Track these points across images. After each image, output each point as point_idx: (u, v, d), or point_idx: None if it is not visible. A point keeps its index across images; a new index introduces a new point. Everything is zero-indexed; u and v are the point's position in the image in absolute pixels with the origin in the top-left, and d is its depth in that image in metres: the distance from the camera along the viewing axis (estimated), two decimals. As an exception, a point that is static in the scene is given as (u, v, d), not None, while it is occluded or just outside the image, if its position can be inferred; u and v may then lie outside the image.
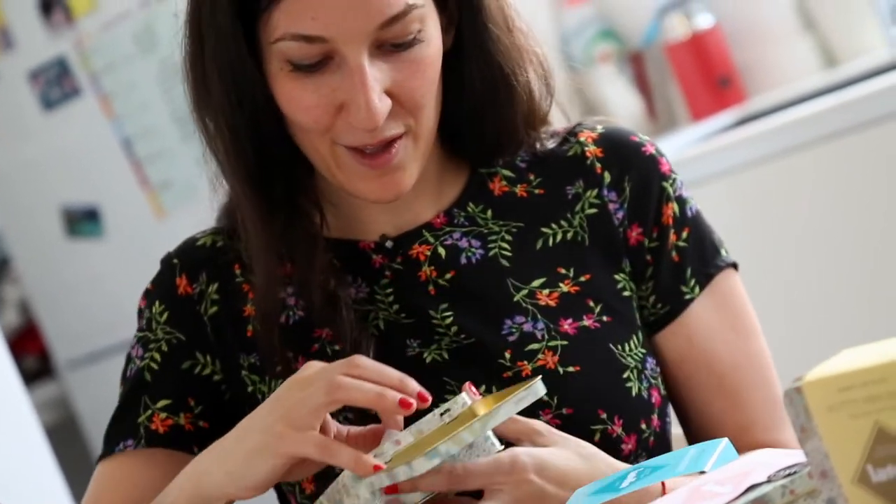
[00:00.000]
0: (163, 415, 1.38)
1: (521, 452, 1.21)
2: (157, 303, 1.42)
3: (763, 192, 2.83)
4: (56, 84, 3.27)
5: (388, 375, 1.21)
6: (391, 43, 1.27)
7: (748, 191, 2.84)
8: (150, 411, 1.38)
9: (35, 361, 3.70)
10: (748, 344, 1.40)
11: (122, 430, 1.39)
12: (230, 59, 1.30)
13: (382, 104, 1.27)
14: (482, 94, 1.36)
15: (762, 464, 1.01)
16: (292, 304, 1.38)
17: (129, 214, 3.23)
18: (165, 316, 1.41)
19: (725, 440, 1.16)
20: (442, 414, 1.21)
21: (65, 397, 3.42)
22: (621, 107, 3.31)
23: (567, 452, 1.23)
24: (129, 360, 1.43)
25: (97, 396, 3.34)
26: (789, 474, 0.97)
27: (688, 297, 1.39)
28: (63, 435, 3.21)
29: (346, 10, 1.25)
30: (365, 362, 1.21)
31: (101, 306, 3.30)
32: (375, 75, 1.27)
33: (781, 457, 1.01)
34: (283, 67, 1.28)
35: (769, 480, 0.97)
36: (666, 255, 1.39)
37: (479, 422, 1.16)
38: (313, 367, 1.23)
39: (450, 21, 1.34)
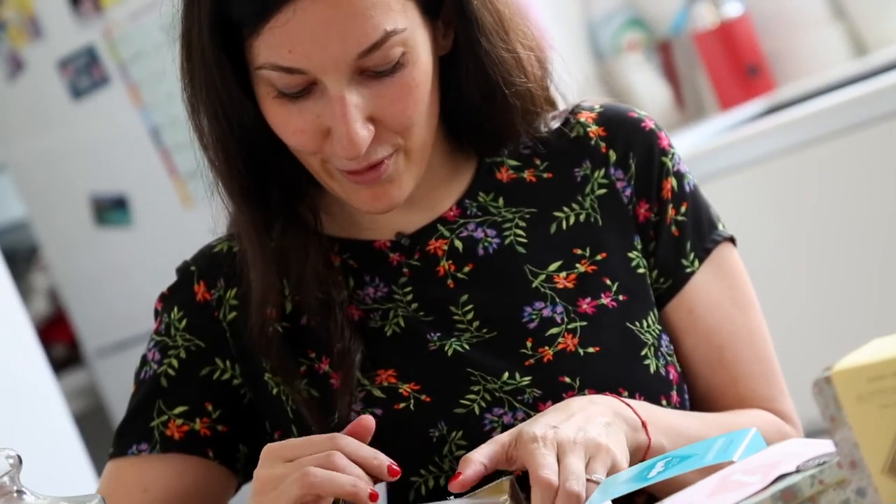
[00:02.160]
0: (179, 421, 1.38)
1: (529, 433, 1.20)
2: (175, 309, 1.42)
3: (792, 181, 2.82)
4: (84, 73, 3.28)
5: (363, 455, 1.20)
6: (373, 70, 1.27)
7: (777, 180, 2.82)
8: (165, 416, 1.39)
9: (64, 349, 3.72)
10: (747, 317, 1.40)
11: (136, 432, 1.40)
12: (215, 85, 1.30)
13: (365, 133, 1.27)
14: (478, 100, 1.36)
15: (791, 454, 1.00)
16: (291, 310, 1.38)
17: (157, 203, 3.24)
18: (184, 323, 1.41)
19: (754, 429, 1.16)
20: None
21: (93, 385, 3.43)
22: (649, 96, 3.30)
23: (547, 413, 1.23)
24: (144, 361, 1.43)
25: (125, 385, 3.35)
26: (819, 464, 0.97)
27: (688, 270, 1.39)
28: (91, 422, 3.22)
29: (323, 42, 1.24)
30: (343, 444, 1.20)
31: (129, 295, 3.31)
32: (357, 103, 1.26)
33: (811, 447, 1.01)
34: (270, 92, 1.28)
35: (798, 470, 0.97)
36: (666, 229, 1.39)
37: None
38: (280, 455, 1.21)
39: (447, 25, 1.33)
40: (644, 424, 1.26)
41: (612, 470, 1.20)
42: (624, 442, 1.22)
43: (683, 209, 1.40)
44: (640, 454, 1.25)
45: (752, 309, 1.41)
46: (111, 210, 3.30)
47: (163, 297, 1.44)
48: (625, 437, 1.23)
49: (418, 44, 1.28)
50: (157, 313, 1.44)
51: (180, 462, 1.38)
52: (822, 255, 2.77)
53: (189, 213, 3.18)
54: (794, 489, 0.95)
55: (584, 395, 1.30)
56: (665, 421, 1.29)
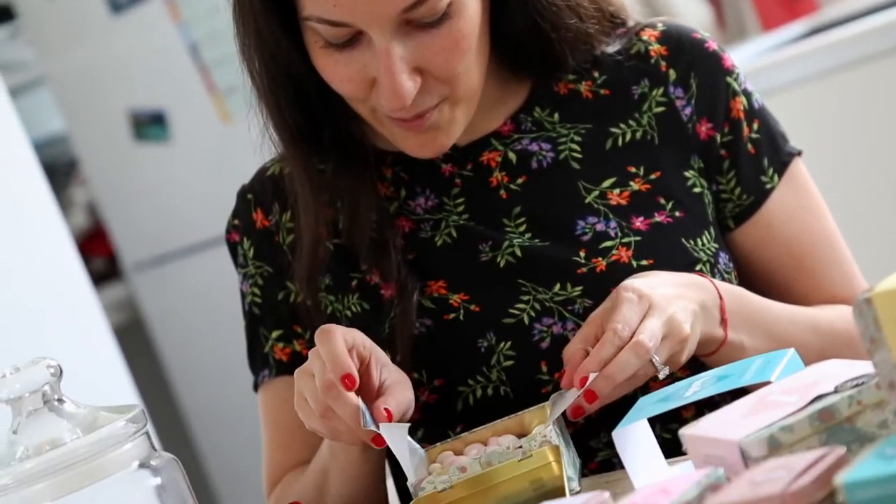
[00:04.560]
0: (280, 344, 1.43)
1: (626, 283, 1.23)
2: (244, 238, 1.46)
3: (835, 102, 2.79)
4: (124, -13, 3.27)
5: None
6: (419, 21, 1.26)
7: (819, 102, 2.80)
8: (269, 342, 1.43)
9: (103, 263, 3.74)
10: (822, 224, 1.42)
11: (257, 360, 1.45)
12: (264, 34, 1.31)
13: (410, 85, 1.27)
14: (527, 37, 1.36)
15: (829, 374, 1.00)
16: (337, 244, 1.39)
17: (195, 119, 3.25)
18: (253, 251, 1.45)
19: (792, 350, 1.16)
20: (518, 447, 1.21)
21: (131, 298, 3.46)
22: (690, 15, 3.27)
23: (649, 274, 1.27)
24: (241, 294, 1.47)
25: (163, 298, 3.38)
26: (857, 385, 0.97)
27: (768, 186, 1.41)
28: (130, 335, 3.25)
29: None
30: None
31: (167, 210, 3.32)
32: (403, 55, 1.26)
33: (849, 368, 1.01)
34: (317, 42, 1.29)
35: (836, 391, 0.97)
36: (743, 148, 1.40)
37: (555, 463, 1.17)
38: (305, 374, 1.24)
39: None
40: (725, 322, 1.28)
41: (670, 361, 1.22)
42: (697, 338, 1.25)
43: (756, 126, 1.41)
44: (711, 346, 1.28)
45: (827, 216, 1.43)
46: (149, 125, 3.31)
47: (233, 228, 1.47)
48: (699, 333, 1.25)
49: None
50: (230, 246, 1.47)
51: None
52: (863, 177, 2.75)
53: (227, 129, 3.18)
54: (831, 409, 0.95)
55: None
56: (751, 314, 1.31)
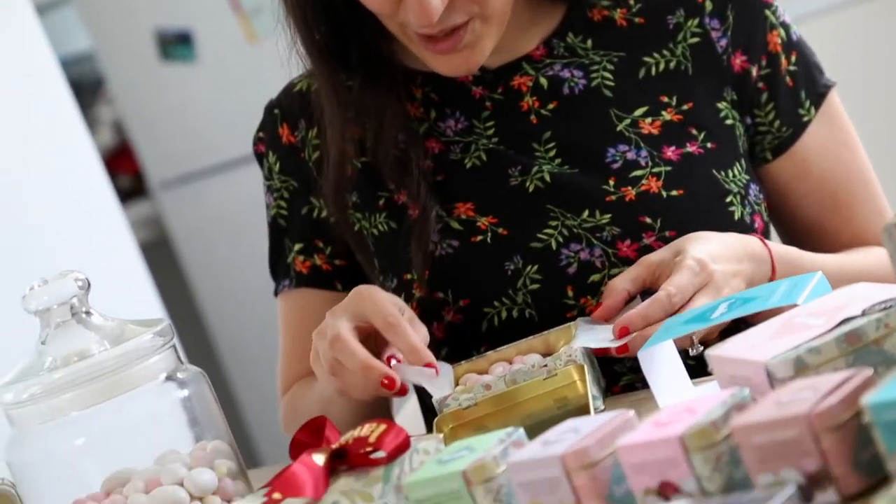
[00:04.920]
0: (301, 257, 1.44)
1: (695, 254, 1.23)
2: (270, 152, 1.46)
3: (865, 31, 2.77)
4: None
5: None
6: None
7: (849, 30, 2.78)
8: (292, 254, 1.45)
9: (129, 181, 3.75)
10: (856, 157, 1.42)
11: (279, 270, 1.47)
12: None
13: (437, 1, 1.26)
14: None
15: (857, 297, 1.00)
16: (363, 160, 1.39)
17: (222, 39, 3.24)
18: (278, 165, 1.45)
19: (820, 273, 1.16)
20: (543, 366, 1.21)
21: (157, 216, 3.47)
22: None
23: (715, 239, 1.26)
24: (266, 206, 1.48)
25: (189, 217, 3.39)
26: (884, 308, 0.97)
27: (805, 118, 1.40)
28: (155, 252, 3.26)
29: None
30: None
31: (192, 129, 3.32)
32: None
33: (877, 290, 1.00)
34: None
35: (864, 314, 0.97)
36: (781, 80, 1.39)
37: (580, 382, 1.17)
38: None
39: None
40: None
41: (706, 337, 1.23)
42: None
43: (794, 59, 1.40)
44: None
45: (860, 148, 1.43)
46: (175, 45, 3.30)
47: (259, 140, 1.47)
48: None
49: None
50: (259, 158, 1.48)
51: (314, 296, 1.44)
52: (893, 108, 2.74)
53: (253, 49, 3.17)
54: (858, 332, 0.95)
55: (663, 235, 1.32)
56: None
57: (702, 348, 1.22)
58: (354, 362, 1.21)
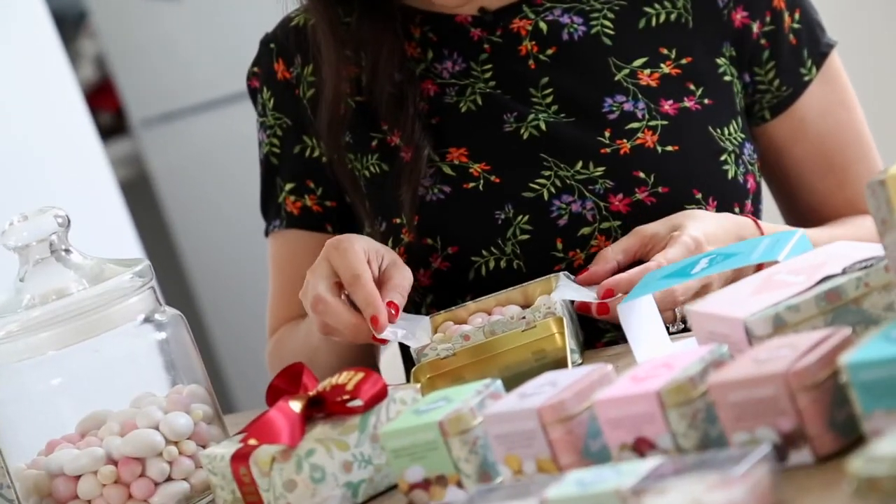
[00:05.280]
0: (292, 197, 1.43)
1: (692, 231, 1.23)
2: (264, 88, 1.44)
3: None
4: None
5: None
6: None
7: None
8: (283, 193, 1.44)
9: (110, 118, 3.72)
10: (854, 119, 1.42)
11: (270, 209, 1.46)
12: None
13: None
14: None
15: (838, 255, 1.00)
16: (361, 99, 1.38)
17: (208, -25, 3.21)
18: (272, 102, 1.44)
19: (801, 231, 1.16)
20: (522, 318, 1.21)
21: (138, 154, 3.45)
22: None
23: (710, 219, 1.26)
24: (259, 143, 1.47)
25: (170, 155, 3.37)
26: (865, 267, 0.97)
27: (806, 77, 1.40)
28: (136, 190, 3.25)
29: None
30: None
31: (175, 67, 3.30)
32: None
33: (858, 249, 1.00)
34: None
35: (844, 272, 0.97)
36: (784, 38, 1.39)
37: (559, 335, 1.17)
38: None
39: None
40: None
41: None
42: None
43: (797, 16, 1.39)
44: None
45: (858, 109, 1.43)
46: (160, -20, 3.27)
47: (254, 75, 1.46)
48: None
49: None
50: (251, 93, 1.46)
51: (306, 237, 1.43)
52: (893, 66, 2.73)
53: (239, -14, 3.15)
54: (838, 291, 0.95)
55: (656, 191, 1.31)
56: None
57: (683, 326, 1.22)
58: (340, 322, 1.22)
